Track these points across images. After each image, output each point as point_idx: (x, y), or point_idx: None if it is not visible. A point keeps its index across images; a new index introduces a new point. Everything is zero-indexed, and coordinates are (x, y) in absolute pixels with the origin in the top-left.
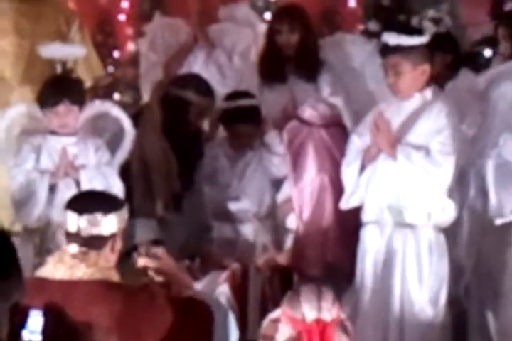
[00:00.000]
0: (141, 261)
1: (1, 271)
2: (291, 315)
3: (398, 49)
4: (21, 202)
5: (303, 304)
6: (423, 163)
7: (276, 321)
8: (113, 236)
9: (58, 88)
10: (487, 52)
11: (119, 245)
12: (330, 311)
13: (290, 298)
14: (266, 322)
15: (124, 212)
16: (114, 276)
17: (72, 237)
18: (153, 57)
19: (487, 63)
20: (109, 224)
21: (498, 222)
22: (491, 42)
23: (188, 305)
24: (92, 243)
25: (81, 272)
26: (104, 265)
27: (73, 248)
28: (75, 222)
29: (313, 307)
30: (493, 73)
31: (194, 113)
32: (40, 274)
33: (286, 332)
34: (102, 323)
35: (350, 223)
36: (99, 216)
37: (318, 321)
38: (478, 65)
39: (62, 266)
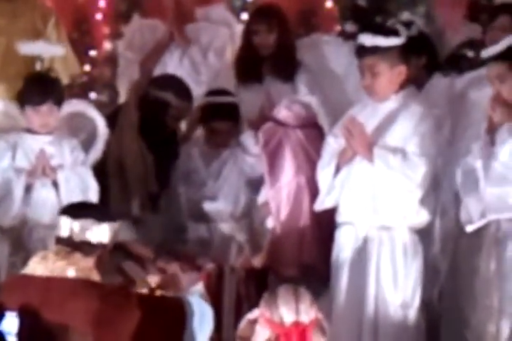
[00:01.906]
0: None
1: None
2: (269, 318)
3: (374, 50)
4: None
5: (281, 307)
6: (400, 167)
7: (253, 322)
8: (102, 246)
9: (42, 87)
10: (470, 55)
11: (105, 258)
12: (308, 313)
13: (267, 300)
14: (243, 323)
15: (116, 227)
16: (95, 276)
17: (63, 242)
18: (131, 56)
19: (470, 66)
20: (100, 232)
21: (468, 228)
22: (474, 44)
23: (161, 302)
24: (81, 248)
25: (62, 269)
26: (86, 265)
27: (59, 247)
28: (67, 226)
29: (291, 310)
30: (472, 77)
31: (172, 115)
32: (24, 271)
33: (264, 334)
34: (78, 319)
35: (326, 224)
36: (92, 222)
37: (296, 324)
38: (462, 67)
39: (44, 263)
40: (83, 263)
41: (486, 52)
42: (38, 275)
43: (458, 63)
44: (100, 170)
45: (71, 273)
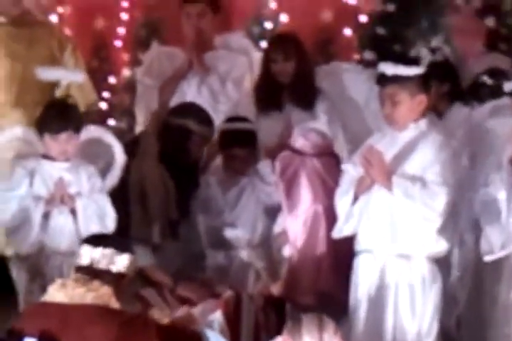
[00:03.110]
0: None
1: None
2: None
3: (395, 79)
4: (14, 228)
5: (304, 335)
6: (419, 195)
7: None
8: (122, 276)
9: (61, 115)
10: (490, 83)
11: (124, 287)
12: None
13: (291, 328)
14: None
15: (135, 260)
16: (114, 303)
17: (83, 270)
18: (149, 83)
19: (491, 95)
20: (121, 262)
21: (487, 258)
22: (495, 73)
23: (180, 333)
24: (101, 276)
25: (81, 296)
26: (105, 292)
27: (78, 275)
28: (88, 254)
29: (315, 339)
30: (492, 106)
31: (194, 142)
32: (43, 298)
33: None
34: None
35: (344, 252)
36: (113, 252)
37: None
38: (482, 96)
39: (63, 290)
40: (102, 290)
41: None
42: (58, 302)
43: (478, 92)
44: (121, 197)
45: (90, 299)
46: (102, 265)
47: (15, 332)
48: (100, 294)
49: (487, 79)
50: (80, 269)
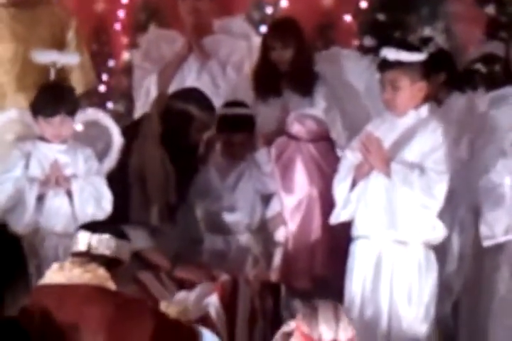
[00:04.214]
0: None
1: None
2: (307, 333)
3: (397, 64)
4: (9, 209)
5: (321, 324)
6: (418, 182)
7: (289, 335)
8: (118, 262)
9: (55, 98)
10: (484, 70)
11: (120, 273)
12: (346, 331)
13: (307, 315)
14: (278, 335)
15: (131, 246)
16: (111, 285)
17: (80, 255)
18: (147, 67)
19: (484, 81)
20: (117, 248)
21: (487, 243)
22: (488, 60)
23: (176, 325)
24: (98, 260)
25: (78, 276)
26: (102, 273)
27: (75, 258)
28: (86, 240)
29: (331, 328)
30: (493, 95)
31: (195, 127)
32: (43, 281)
33: None
34: (91, 324)
35: (340, 237)
36: (110, 238)
37: None
38: (475, 83)
39: (61, 272)
40: (100, 272)
41: None
42: (55, 283)
43: (472, 79)
44: (121, 180)
45: (87, 279)
46: (99, 251)
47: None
48: (97, 275)
49: (480, 66)
50: (76, 255)
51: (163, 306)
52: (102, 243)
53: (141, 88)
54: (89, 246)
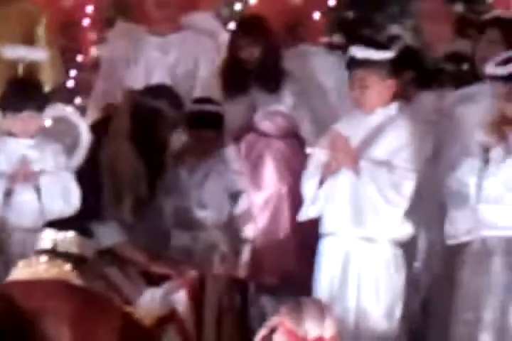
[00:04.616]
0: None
1: None
2: (292, 329)
3: (365, 63)
4: None
5: (307, 320)
6: (386, 180)
7: (272, 330)
8: (83, 258)
9: (23, 94)
10: (451, 69)
11: (85, 270)
12: (331, 328)
13: (292, 311)
14: (263, 330)
15: (94, 244)
16: (77, 281)
17: (45, 253)
18: (114, 62)
19: (452, 80)
20: (82, 245)
21: (451, 242)
22: (456, 58)
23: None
24: (64, 257)
25: (44, 271)
26: (68, 269)
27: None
28: (51, 237)
29: (317, 325)
30: (461, 93)
31: (165, 124)
32: (9, 277)
33: None
34: (56, 318)
35: (309, 234)
36: (75, 235)
37: (320, 339)
38: (443, 81)
39: (27, 268)
40: (66, 267)
41: (492, 70)
42: (21, 279)
43: (439, 77)
44: (93, 175)
45: (54, 274)
46: (64, 248)
47: None
48: (63, 271)
49: (448, 65)
50: (42, 252)
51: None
52: (67, 240)
53: (105, 83)
54: (54, 244)
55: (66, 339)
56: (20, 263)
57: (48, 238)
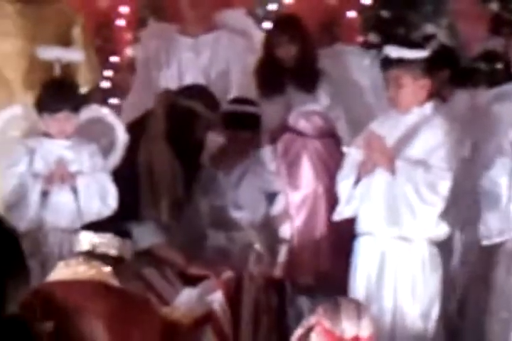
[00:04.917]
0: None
1: (11, 269)
2: (329, 329)
3: (399, 62)
4: (12, 204)
5: (343, 320)
6: (422, 180)
7: (309, 330)
8: (120, 260)
9: (59, 94)
10: (485, 68)
11: (123, 271)
12: (368, 328)
13: (329, 311)
14: (299, 329)
15: (132, 245)
16: (115, 282)
17: (83, 255)
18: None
19: (486, 79)
20: (121, 247)
21: (485, 242)
22: (490, 57)
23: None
24: (101, 259)
25: (84, 272)
26: (106, 271)
27: (79, 257)
28: (88, 240)
29: (354, 325)
30: (496, 92)
31: (200, 125)
32: (49, 278)
33: None
34: (94, 319)
35: (345, 233)
36: (111, 236)
37: (356, 338)
38: (477, 80)
39: (66, 268)
40: (104, 269)
41: None
42: (61, 280)
43: (474, 76)
44: (130, 176)
45: (93, 275)
46: (101, 250)
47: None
48: (102, 272)
49: (482, 64)
50: (80, 254)
51: (168, 310)
52: (104, 242)
53: (141, 83)
54: (92, 246)
55: (102, 339)
56: (60, 264)
57: (86, 240)
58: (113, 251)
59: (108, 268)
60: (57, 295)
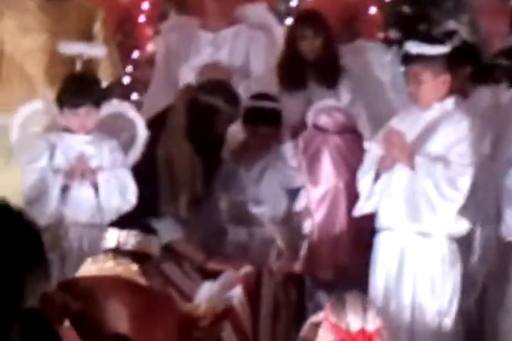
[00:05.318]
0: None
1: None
2: (335, 323)
3: (420, 58)
4: (33, 199)
5: (349, 314)
6: (442, 175)
7: (316, 325)
8: (147, 257)
9: (80, 89)
10: (506, 64)
11: (151, 269)
12: (374, 322)
13: (334, 305)
14: (306, 325)
15: (159, 241)
16: (141, 280)
17: (110, 252)
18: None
19: (507, 75)
20: (147, 243)
21: (509, 239)
22: (511, 53)
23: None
24: (128, 256)
25: (111, 269)
26: (133, 269)
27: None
28: (115, 237)
29: (359, 318)
30: None
31: (221, 120)
32: (78, 274)
33: (327, 339)
34: (117, 315)
35: (365, 229)
36: (137, 233)
37: (362, 332)
38: (497, 77)
39: (95, 264)
40: (131, 266)
41: None
42: (88, 276)
43: (495, 72)
44: (150, 171)
45: (120, 272)
46: (128, 247)
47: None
48: (129, 269)
49: (503, 60)
50: (107, 252)
51: (192, 306)
52: (131, 239)
53: (161, 76)
54: (118, 243)
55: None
56: (89, 260)
57: (113, 237)
58: (139, 248)
59: (135, 266)
60: (84, 285)
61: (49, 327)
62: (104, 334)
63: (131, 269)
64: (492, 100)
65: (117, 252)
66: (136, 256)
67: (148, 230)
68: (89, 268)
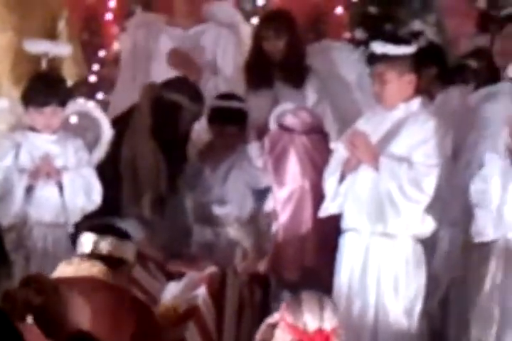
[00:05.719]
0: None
1: None
2: (292, 323)
3: (385, 58)
4: None
5: (305, 313)
6: (406, 176)
7: (273, 326)
8: (122, 262)
9: (46, 88)
10: (474, 65)
11: (126, 274)
12: (331, 320)
13: (290, 305)
14: (263, 326)
15: (133, 246)
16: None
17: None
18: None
19: (475, 76)
20: (122, 249)
21: (477, 240)
22: (479, 54)
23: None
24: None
25: (86, 269)
26: (107, 271)
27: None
28: (90, 241)
29: (316, 317)
30: (487, 91)
31: (185, 118)
32: (53, 275)
33: (284, 339)
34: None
35: (330, 229)
36: (113, 239)
37: (319, 331)
38: (466, 77)
39: (70, 266)
40: (105, 269)
41: None
42: (64, 277)
43: (463, 73)
44: (113, 171)
45: (95, 273)
46: (103, 252)
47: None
48: (103, 271)
49: (471, 61)
50: (82, 255)
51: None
52: (106, 244)
53: (126, 74)
54: (94, 248)
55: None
56: (63, 263)
57: (88, 242)
58: (114, 254)
59: (109, 270)
60: (48, 280)
61: (10, 324)
62: (68, 330)
63: (105, 271)
64: (459, 101)
65: (92, 256)
66: (111, 261)
67: (123, 235)
68: (63, 270)
